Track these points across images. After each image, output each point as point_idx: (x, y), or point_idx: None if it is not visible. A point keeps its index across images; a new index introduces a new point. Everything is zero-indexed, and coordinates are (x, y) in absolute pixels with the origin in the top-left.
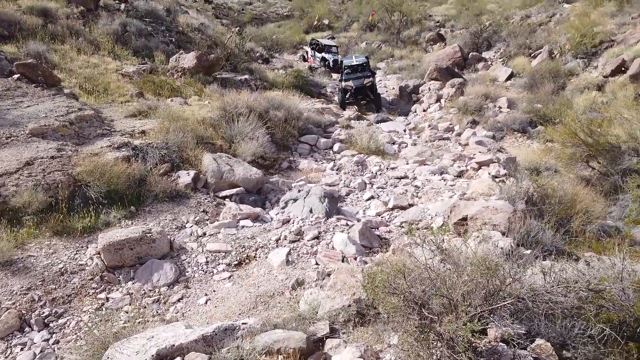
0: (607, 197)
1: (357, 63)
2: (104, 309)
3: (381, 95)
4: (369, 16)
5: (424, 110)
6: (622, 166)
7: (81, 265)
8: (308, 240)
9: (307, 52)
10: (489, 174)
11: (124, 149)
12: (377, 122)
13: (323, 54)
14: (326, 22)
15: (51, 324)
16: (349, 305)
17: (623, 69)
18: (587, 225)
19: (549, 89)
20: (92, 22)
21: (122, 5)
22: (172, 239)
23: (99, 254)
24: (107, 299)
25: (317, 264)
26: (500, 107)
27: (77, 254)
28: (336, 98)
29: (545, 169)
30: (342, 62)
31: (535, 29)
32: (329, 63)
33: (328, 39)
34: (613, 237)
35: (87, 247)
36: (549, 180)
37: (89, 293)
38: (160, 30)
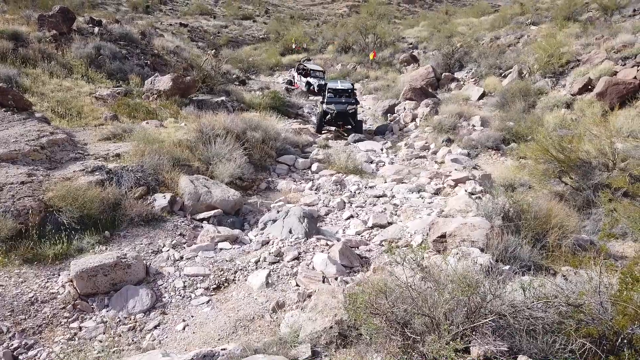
0: (581, 211)
1: (342, 88)
2: (76, 338)
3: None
4: (371, 55)
5: (400, 129)
6: (594, 181)
7: (52, 293)
8: (288, 262)
9: (294, 77)
10: (466, 191)
11: (97, 173)
12: (355, 141)
13: (308, 79)
14: (304, 45)
15: (21, 357)
16: (331, 327)
17: (590, 87)
18: (563, 240)
19: (520, 108)
20: (65, 45)
21: (96, 29)
22: (148, 263)
23: (71, 281)
24: (80, 328)
25: (297, 285)
26: (474, 126)
27: (48, 282)
28: (313, 119)
29: (520, 185)
30: (326, 84)
31: (504, 49)
32: (313, 88)
33: (304, 60)
34: (588, 250)
35: (59, 275)
36: (523, 196)
37: (60, 323)
38: (135, 53)
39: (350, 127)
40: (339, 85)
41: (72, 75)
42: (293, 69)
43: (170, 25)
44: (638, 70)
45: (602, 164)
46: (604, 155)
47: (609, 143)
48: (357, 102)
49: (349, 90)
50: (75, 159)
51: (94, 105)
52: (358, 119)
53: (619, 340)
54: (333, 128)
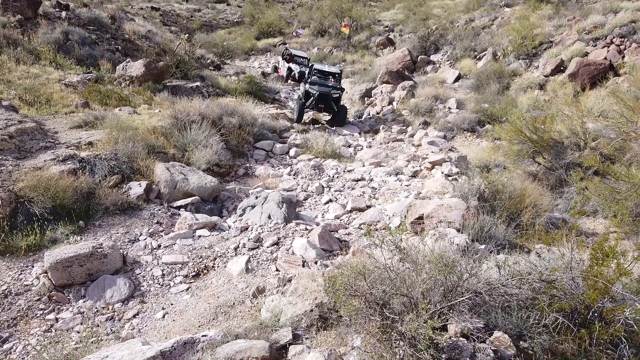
0: (553, 190)
1: (329, 71)
2: (53, 330)
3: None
4: (344, 29)
5: (378, 113)
6: (566, 160)
7: (27, 285)
8: (267, 247)
9: (278, 62)
10: (442, 173)
11: (69, 162)
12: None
13: (290, 64)
14: (302, 32)
15: None
16: (311, 310)
17: (562, 68)
18: (536, 219)
19: (494, 89)
20: (31, 30)
21: (64, 13)
22: (125, 253)
23: (46, 272)
24: (57, 320)
25: (277, 270)
26: (449, 108)
27: (21, 274)
28: (291, 104)
29: (495, 166)
30: (312, 65)
31: (479, 32)
32: (294, 74)
33: (280, 44)
34: (560, 228)
35: (33, 266)
36: (498, 177)
37: (36, 314)
38: (105, 38)
39: (332, 113)
40: (326, 68)
41: (39, 62)
42: (269, 53)
43: (141, 9)
44: (608, 51)
45: (574, 143)
46: (575, 135)
47: (580, 123)
48: (342, 89)
49: (336, 75)
50: (46, 148)
51: (63, 93)
52: (342, 104)
53: (590, 313)
54: (312, 112)
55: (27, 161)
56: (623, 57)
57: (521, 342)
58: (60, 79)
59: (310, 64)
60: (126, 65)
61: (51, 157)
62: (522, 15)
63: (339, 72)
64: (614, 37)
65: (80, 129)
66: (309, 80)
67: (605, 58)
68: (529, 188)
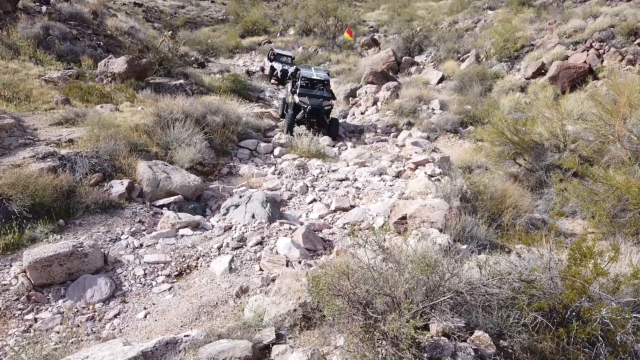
0: (534, 191)
1: (318, 78)
2: (32, 330)
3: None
4: (346, 34)
5: (362, 113)
6: (546, 162)
7: (4, 285)
8: (251, 246)
9: (265, 62)
10: (425, 173)
11: (49, 159)
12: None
13: (272, 63)
14: (291, 32)
15: None
16: (295, 310)
17: (543, 71)
18: (517, 219)
19: (477, 91)
20: (10, 25)
21: (44, 8)
22: (106, 252)
23: (24, 272)
24: (36, 320)
25: (261, 269)
26: (433, 109)
27: None
28: (275, 102)
29: (477, 167)
30: (297, 69)
31: (462, 34)
32: (277, 73)
33: (264, 43)
34: (540, 229)
35: (11, 266)
36: (480, 178)
37: (14, 315)
38: (86, 33)
39: (324, 125)
40: (314, 74)
41: (18, 57)
42: (254, 51)
43: (124, 4)
44: (588, 55)
45: (554, 145)
46: (555, 137)
47: (560, 125)
48: (333, 97)
49: (325, 82)
50: (25, 145)
51: (43, 89)
52: (333, 116)
53: (568, 313)
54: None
55: (5, 158)
56: (602, 61)
57: (501, 341)
58: (40, 75)
59: (295, 68)
60: (108, 62)
61: (30, 155)
62: (505, 19)
63: (328, 78)
64: (593, 42)
65: (61, 126)
66: (297, 90)
67: (585, 62)
68: (510, 189)
